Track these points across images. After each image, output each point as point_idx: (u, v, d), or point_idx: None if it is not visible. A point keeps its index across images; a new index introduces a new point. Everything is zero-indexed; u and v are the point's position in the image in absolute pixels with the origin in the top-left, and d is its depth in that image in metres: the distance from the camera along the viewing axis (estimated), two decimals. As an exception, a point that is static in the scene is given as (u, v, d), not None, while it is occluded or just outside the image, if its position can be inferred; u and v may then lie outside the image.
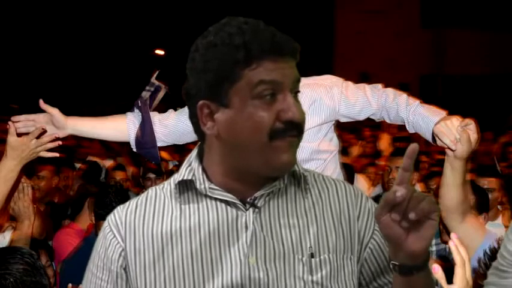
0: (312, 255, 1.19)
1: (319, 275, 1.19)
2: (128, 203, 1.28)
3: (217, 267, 1.17)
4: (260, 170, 1.16)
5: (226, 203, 1.20)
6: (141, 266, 1.20)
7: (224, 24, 1.16)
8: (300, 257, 1.18)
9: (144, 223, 1.23)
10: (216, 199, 1.21)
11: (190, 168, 1.23)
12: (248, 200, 1.20)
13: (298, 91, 1.19)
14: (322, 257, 1.20)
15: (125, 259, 1.22)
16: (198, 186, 1.21)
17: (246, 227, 1.19)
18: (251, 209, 1.20)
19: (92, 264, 1.28)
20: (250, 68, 1.12)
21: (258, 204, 1.20)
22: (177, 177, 1.24)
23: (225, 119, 1.15)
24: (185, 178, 1.22)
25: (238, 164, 1.18)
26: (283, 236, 1.19)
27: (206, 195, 1.21)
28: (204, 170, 1.22)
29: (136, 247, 1.21)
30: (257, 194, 1.20)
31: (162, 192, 1.26)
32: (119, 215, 1.25)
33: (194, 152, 1.26)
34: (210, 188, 1.20)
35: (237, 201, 1.19)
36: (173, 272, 1.18)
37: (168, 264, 1.18)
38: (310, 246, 1.20)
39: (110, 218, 1.26)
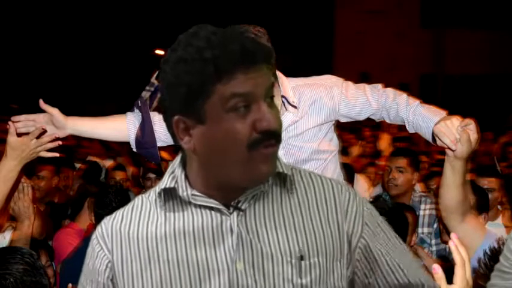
0: (301, 258, 1.18)
1: (308, 278, 1.18)
2: (114, 213, 1.29)
3: (205, 274, 1.16)
4: (239, 181, 1.16)
5: (210, 208, 1.20)
6: (128, 275, 1.20)
7: (193, 35, 1.13)
8: (289, 259, 1.17)
9: (129, 233, 1.23)
10: (200, 206, 1.20)
11: (173, 176, 1.24)
12: (232, 203, 1.19)
13: (273, 95, 1.18)
14: (312, 260, 1.19)
15: (112, 270, 1.22)
16: (180, 194, 1.21)
17: (231, 231, 1.18)
18: (235, 213, 1.19)
19: (83, 277, 1.29)
20: (221, 83, 1.10)
21: (242, 207, 1.19)
22: (160, 184, 1.25)
23: (201, 135, 1.15)
24: (168, 186, 1.22)
25: (217, 176, 1.17)
26: (269, 238, 1.19)
27: (190, 202, 1.21)
28: (186, 176, 1.22)
29: (123, 257, 1.22)
30: (241, 197, 1.19)
31: (147, 201, 1.27)
32: (106, 226, 1.26)
33: (178, 159, 1.26)
34: (192, 194, 1.20)
35: (221, 206, 1.19)
36: (160, 280, 1.18)
37: (155, 272, 1.18)
38: (300, 249, 1.18)
39: (98, 230, 1.27)
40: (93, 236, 1.28)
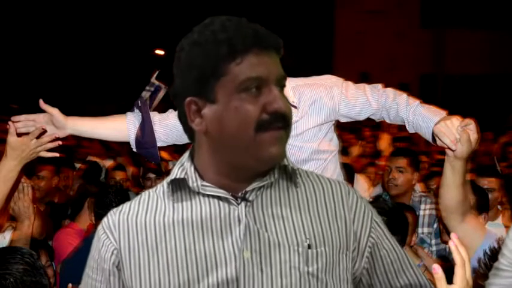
0: (309, 247, 1.20)
1: (315, 266, 1.20)
2: (121, 206, 1.30)
3: (212, 262, 1.18)
4: (249, 164, 1.18)
5: (219, 198, 1.22)
6: (135, 264, 1.21)
7: (207, 23, 1.18)
8: (296, 247, 1.19)
9: (137, 221, 1.24)
10: (208, 196, 1.22)
11: (182, 168, 1.25)
12: (239, 194, 1.21)
13: (284, 85, 1.21)
14: (318, 249, 1.21)
15: (118, 257, 1.23)
16: (190, 184, 1.22)
17: (239, 221, 1.20)
18: (243, 203, 1.21)
19: (88, 268, 1.30)
20: (235, 63, 1.14)
21: (250, 198, 1.21)
22: (170, 176, 1.26)
23: (212, 114, 1.17)
24: (177, 177, 1.24)
25: (228, 159, 1.19)
26: (277, 228, 1.21)
27: (199, 193, 1.22)
28: (196, 169, 1.24)
29: (130, 246, 1.23)
30: (248, 188, 1.21)
31: (155, 194, 1.28)
32: (112, 218, 1.27)
33: (186, 153, 1.28)
34: (202, 185, 1.22)
35: (229, 196, 1.21)
36: (167, 268, 1.19)
37: (162, 261, 1.19)
38: (307, 238, 1.21)
39: (104, 221, 1.28)
40: (99, 227, 1.28)
